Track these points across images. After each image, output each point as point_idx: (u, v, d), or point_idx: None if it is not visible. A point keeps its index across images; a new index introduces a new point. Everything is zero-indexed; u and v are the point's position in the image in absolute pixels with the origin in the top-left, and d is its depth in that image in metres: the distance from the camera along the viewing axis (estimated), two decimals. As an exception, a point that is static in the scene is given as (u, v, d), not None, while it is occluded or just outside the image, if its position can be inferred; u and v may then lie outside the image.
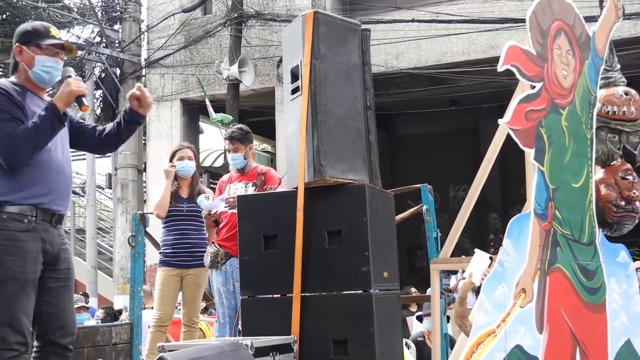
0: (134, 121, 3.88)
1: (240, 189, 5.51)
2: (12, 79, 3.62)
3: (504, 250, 3.26)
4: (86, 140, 3.90)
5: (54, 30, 3.65)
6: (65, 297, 3.61)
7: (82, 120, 3.99)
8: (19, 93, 3.51)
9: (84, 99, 3.51)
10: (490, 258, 3.41)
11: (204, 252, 5.63)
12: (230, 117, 11.18)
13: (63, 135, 3.66)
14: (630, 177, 4.18)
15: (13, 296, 3.34)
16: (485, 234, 15.35)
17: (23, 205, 3.42)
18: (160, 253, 5.95)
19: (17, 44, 3.61)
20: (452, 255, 4.91)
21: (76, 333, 3.69)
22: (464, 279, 4.05)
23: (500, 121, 3.38)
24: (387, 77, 12.19)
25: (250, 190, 5.45)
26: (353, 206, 3.77)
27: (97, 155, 15.29)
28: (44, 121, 3.40)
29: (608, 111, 4.20)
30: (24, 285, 3.37)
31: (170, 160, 5.96)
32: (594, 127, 4.02)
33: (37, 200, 3.45)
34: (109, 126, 3.91)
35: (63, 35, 14.95)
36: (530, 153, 3.48)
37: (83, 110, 3.55)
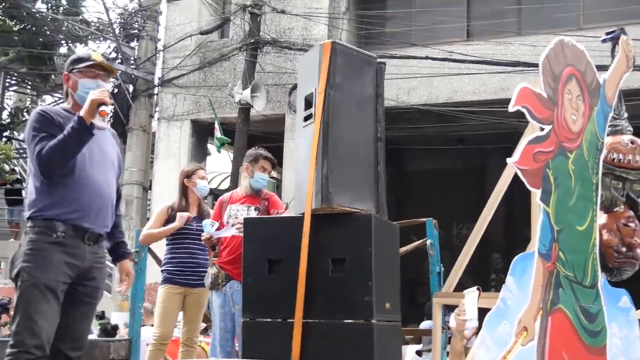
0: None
1: (242, 210, 5.53)
2: (64, 105, 3.86)
3: (507, 287, 3.29)
4: None
5: (95, 55, 3.86)
6: (86, 313, 3.75)
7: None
8: (64, 117, 3.67)
9: (104, 106, 3.62)
10: (478, 289, 3.45)
11: (205, 270, 5.63)
12: (228, 140, 11.30)
13: (105, 158, 3.82)
14: (632, 225, 4.23)
15: (33, 302, 3.46)
16: (487, 274, 15.31)
17: (53, 220, 3.58)
18: (163, 270, 5.93)
19: (64, 73, 3.85)
20: (454, 291, 4.92)
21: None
22: (458, 315, 4.10)
23: (508, 160, 3.44)
24: (398, 111, 12.27)
25: (253, 214, 5.47)
26: (359, 235, 3.79)
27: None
28: (71, 131, 3.53)
29: (614, 158, 4.26)
30: (44, 292, 3.48)
31: (188, 177, 5.95)
32: (600, 172, 4.07)
33: (68, 217, 3.60)
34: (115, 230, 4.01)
35: (79, 49, 15.18)
36: (536, 193, 3.53)
37: (102, 115, 3.64)
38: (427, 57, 11.76)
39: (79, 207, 3.63)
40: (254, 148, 5.96)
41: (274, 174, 17.01)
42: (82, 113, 3.57)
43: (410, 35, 13.36)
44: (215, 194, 15.45)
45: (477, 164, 15.19)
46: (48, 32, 14.66)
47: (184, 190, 5.97)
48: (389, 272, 3.95)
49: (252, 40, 12.01)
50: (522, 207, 4.22)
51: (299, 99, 4.21)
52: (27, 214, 3.68)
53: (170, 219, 5.87)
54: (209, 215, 5.84)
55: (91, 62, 3.79)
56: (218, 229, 5.43)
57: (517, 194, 4.13)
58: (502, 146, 10.75)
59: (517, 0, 13.10)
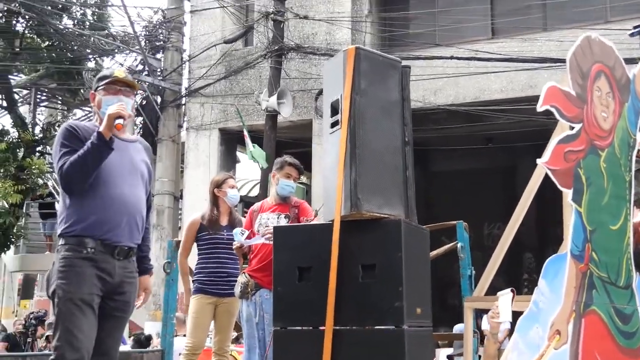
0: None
1: (272, 219, 5.53)
2: (93, 121, 3.93)
3: (539, 290, 3.25)
4: None
5: (117, 72, 3.92)
6: (116, 327, 3.81)
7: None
8: (92, 133, 3.70)
9: (120, 119, 3.65)
10: (512, 291, 3.40)
11: (235, 280, 5.65)
12: (264, 154, 11.30)
13: (134, 171, 3.86)
14: (669, 221, 4.15)
15: (70, 316, 3.55)
16: (519, 274, 15.17)
17: (82, 237, 3.65)
18: (194, 280, 5.95)
19: (91, 92, 3.94)
20: (486, 294, 4.88)
21: None
22: (492, 317, 4.05)
23: (538, 161, 3.40)
24: (425, 112, 12.21)
25: (283, 222, 5.47)
26: (388, 241, 3.77)
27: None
28: (90, 146, 3.60)
29: (649, 154, 4.18)
30: (80, 306, 3.57)
31: (218, 187, 5.98)
32: (633, 169, 4.01)
33: (96, 233, 3.66)
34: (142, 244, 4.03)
35: (106, 63, 15.34)
36: (568, 194, 3.48)
37: (117, 129, 3.67)
38: (452, 57, 11.69)
39: (106, 222, 3.68)
40: (284, 156, 5.97)
41: (304, 179, 17.04)
42: (101, 128, 3.63)
43: (435, 36, 13.30)
44: (245, 201, 15.52)
45: (506, 162, 15.06)
46: (75, 48, 14.83)
47: (215, 200, 5.99)
48: (420, 277, 3.92)
49: (276, 47, 12.03)
50: (554, 205, 4.17)
51: (325, 106, 4.20)
52: (58, 231, 3.75)
53: (201, 229, 5.90)
54: (241, 224, 5.85)
55: (112, 79, 3.85)
56: (248, 237, 5.44)
57: (549, 192, 4.07)
58: (532, 144, 10.66)
59: (542, -5, 12.98)
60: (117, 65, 15.03)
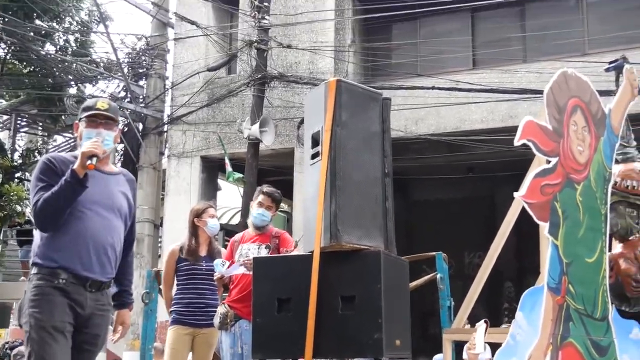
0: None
1: (253, 249, 5.54)
2: (75, 152, 3.84)
3: (517, 323, 3.28)
4: None
5: (100, 103, 3.88)
6: None
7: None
8: (68, 166, 3.66)
9: (93, 158, 3.61)
10: (485, 322, 3.43)
11: (214, 311, 5.63)
12: (241, 176, 11.34)
13: (112, 204, 3.82)
14: (650, 252, 4.20)
15: (43, 345, 3.53)
16: (499, 303, 15.20)
17: (54, 268, 3.63)
18: (172, 311, 5.89)
19: (75, 122, 3.93)
20: (469, 323, 4.90)
21: None
22: (469, 349, 4.08)
23: (515, 194, 3.44)
24: (406, 142, 12.29)
25: (263, 252, 5.48)
26: (368, 272, 3.79)
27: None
28: (63, 185, 3.59)
29: (627, 185, 4.25)
30: (52, 334, 3.54)
31: (198, 216, 5.96)
32: (609, 202, 4.06)
33: (68, 265, 3.64)
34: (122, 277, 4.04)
35: (89, 89, 15.32)
36: (544, 227, 3.52)
37: (89, 169, 3.62)
38: (433, 87, 11.80)
39: (78, 256, 3.67)
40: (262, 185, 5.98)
41: (285, 207, 17.05)
42: (75, 165, 3.61)
43: (416, 66, 13.43)
44: (225, 229, 15.46)
45: (487, 192, 15.16)
46: (57, 74, 14.81)
47: (194, 230, 5.96)
48: (399, 309, 3.94)
49: (259, 76, 12.08)
50: (533, 234, 4.20)
51: (306, 137, 4.24)
52: (32, 260, 3.74)
53: (180, 259, 5.88)
54: (220, 254, 5.85)
55: (94, 112, 3.82)
56: (229, 267, 5.44)
57: (528, 221, 4.11)
58: (512, 174, 10.75)
59: (521, 27, 13.16)
60: (99, 92, 15.05)
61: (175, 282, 5.94)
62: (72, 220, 3.66)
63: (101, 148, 3.68)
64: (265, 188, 5.80)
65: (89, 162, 3.59)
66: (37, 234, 3.77)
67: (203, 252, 5.91)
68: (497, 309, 14.61)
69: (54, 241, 3.66)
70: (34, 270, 3.69)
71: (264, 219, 5.66)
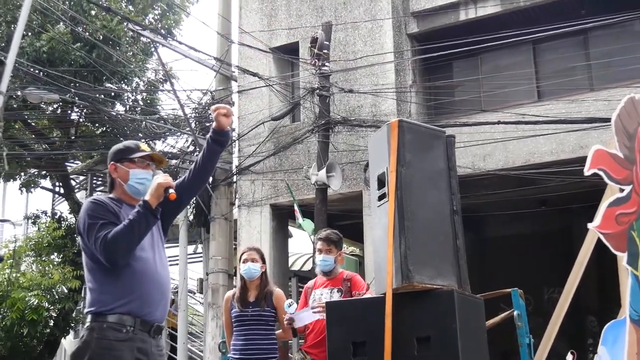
0: (218, 139, 3.89)
1: (325, 294, 5.55)
2: (111, 195, 3.82)
3: (599, 358, 3.17)
4: (184, 197, 3.95)
5: (143, 145, 3.86)
6: None
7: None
8: (116, 205, 3.69)
9: (171, 189, 3.59)
10: (572, 353, 3.33)
11: (272, 356, 5.63)
12: (312, 225, 11.37)
13: (158, 243, 3.78)
14: None
15: None
16: (583, 339, 14.73)
17: (123, 315, 3.52)
18: (230, 357, 5.95)
19: (111, 163, 3.83)
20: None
21: None
22: None
23: (589, 225, 3.36)
24: (475, 178, 12.16)
25: (336, 296, 5.48)
26: (442, 312, 3.75)
27: (189, 260, 15.69)
28: (138, 216, 3.52)
29: None
30: None
31: (239, 263, 6.02)
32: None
33: (136, 311, 3.54)
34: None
35: (159, 146, 15.71)
36: (622, 257, 3.43)
37: (171, 198, 3.59)
38: (499, 122, 11.68)
39: (146, 300, 3.58)
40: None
41: (357, 251, 17.00)
42: (147, 197, 3.55)
43: (480, 102, 13.35)
44: (298, 275, 15.51)
45: (562, 224, 14.83)
46: (128, 133, 15.26)
47: (241, 276, 6.03)
48: (477, 348, 3.87)
49: (323, 122, 12.18)
50: (614, 266, 4.08)
51: (372, 179, 4.26)
52: (92, 309, 3.57)
53: (232, 305, 5.93)
54: (271, 296, 5.85)
55: (145, 153, 3.78)
56: (298, 310, 5.47)
57: (608, 253, 4.00)
58: (586, 205, 10.51)
59: (585, 56, 12.97)
60: (168, 148, 15.40)
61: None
62: (134, 262, 3.56)
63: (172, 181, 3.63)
64: (320, 233, 5.86)
65: (171, 191, 3.55)
66: (91, 281, 3.62)
67: (252, 297, 5.93)
68: (581, 345, 14.15)
69: (120, 285, 3.54)
70: (95, 319, 3.54)
71: (327, 263, 5.69)
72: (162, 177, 3.61)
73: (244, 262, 5.94)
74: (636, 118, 3.77)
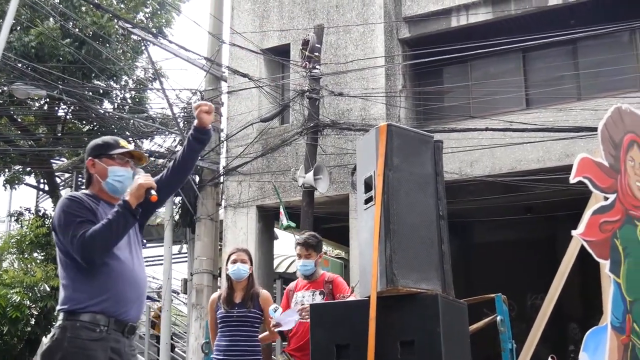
0: (199, 137, 3.81)
1: (307, 297, 5.56)
2: (87, 191, 3.70)
3: (581, 364, 3.19)
4: (162, 194, 3.79)
5: (123, 142, 3.74)
6: None
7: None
8: (93, 202, 3.58)
9: (152, 190, 3.51)
10: (552, 357, 3.36)
11: (255, 358, 5.62)
12: (294, 225, 11.41)
13: (135, 242, 3.69)
14: None
15: None
16: (565, 345, 14.81)
17: (97, 314, 3.41)
18: (212, 357, 5.94)
19: (89, 158, 3.70)
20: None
21: None
22: None
23: (573, 232, 3.39)
24: (461, 184, 12.21)
25: (318, 299, 5.49)
26: (426, 316, 3.76)
27: (174, 260, 15.63)
28: (117, 216, 3.42)
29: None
30: None
31: (227, 263, 6.01)
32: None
33: (110, 310, 3.44)
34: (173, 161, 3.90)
35: (146, 145, 15.66)
36: (605, 265, 3.46)
37: (153, 200, 3.52)
38: (487, 129, 11.74)
39: (121, 300, 3.47)
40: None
41: (343, 254, 17.01)
42: (127, 197, 3.46)
43: (469, 108, 13.40)
44: (283, 277, 15.50)
45: (547, 232, 14.90)
46: (115, 131, 15.20)
47: (227, 277, 6.01)
48: (460, 352, 3.89)
49: (312, 124, 12.18)
50: (597, 274, 4.12)
51: (359, 182, 4.27)
52: (64, 307, 3.46)
53: (218, 306, 5.93)
54: (257, 299, 5.85)
55: (125, 150, 3.68)
56: (282, 313, 5.46)
57: (591, 261, 4.03)
58: (571, 212, 10.57)
59: (574, 65, 13.05)
60: (156, 147, 15.37)
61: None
62: (110, 261, 3.46)
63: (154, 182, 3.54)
64: (299, 238, 5.87)
65: (152, 193, 3.48)
66: (65, 279, 3.51)
67: (237, 298, 5.90)
68: (563, 351, 14.23)
69: (95, 284, 3.43)
70: (67, 317, 3.42)
71: (307, 268, 5.72)
72: (143, 178, 3.51)
73: (233, 262, 5.91)
74: (622, 128, 3.81)
